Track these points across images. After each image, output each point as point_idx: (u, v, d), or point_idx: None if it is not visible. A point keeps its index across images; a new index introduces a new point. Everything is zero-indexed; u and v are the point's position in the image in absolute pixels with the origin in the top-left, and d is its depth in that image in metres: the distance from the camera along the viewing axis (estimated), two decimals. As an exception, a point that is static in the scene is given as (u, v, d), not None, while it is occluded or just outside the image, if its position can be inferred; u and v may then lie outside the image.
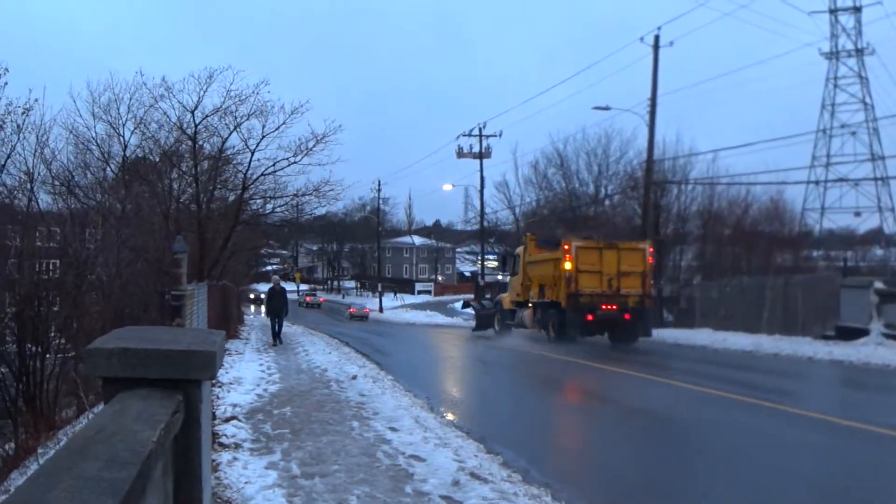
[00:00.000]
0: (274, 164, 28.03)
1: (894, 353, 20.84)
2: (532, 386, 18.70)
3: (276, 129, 27.07)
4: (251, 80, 32.80)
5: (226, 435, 9.98)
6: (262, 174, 28.35)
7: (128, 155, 28.98)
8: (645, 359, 23.35)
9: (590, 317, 29.03)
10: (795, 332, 27.18)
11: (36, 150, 21.08)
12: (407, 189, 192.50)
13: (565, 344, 28.04)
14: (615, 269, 29.67)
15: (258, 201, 30.54)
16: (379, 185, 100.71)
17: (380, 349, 27.90)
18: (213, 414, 10.73)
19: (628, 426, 12.50)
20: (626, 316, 29.16)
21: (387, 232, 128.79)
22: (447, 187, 73.86)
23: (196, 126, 26.73)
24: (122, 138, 28.23)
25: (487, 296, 48.42)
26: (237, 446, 9.46)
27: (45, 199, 24.52)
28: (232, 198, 30.56)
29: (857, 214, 67.03)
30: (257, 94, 26.45)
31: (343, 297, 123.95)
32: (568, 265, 29.56)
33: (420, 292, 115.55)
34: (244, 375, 16.65)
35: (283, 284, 28.96)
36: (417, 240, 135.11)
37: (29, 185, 21.14)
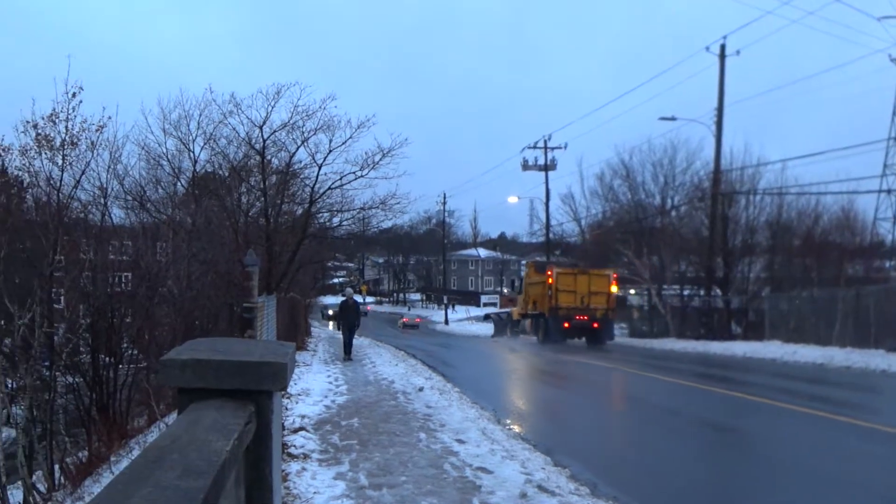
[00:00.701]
0: (341, 178, 28.21)
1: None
2: (596, 396, 18.59)
3: (343, 144, 27.25)
4: (318, 95, 33.16)
5: (294, 445, 10.07)
6: (329, 188, 28.55)
7: (198, 170, 29.42)
8: (714, 371, 23.06)
9: (566, 325, 39.31)
10: (868, 344, 26.56)
11: (109, 166, 21.47)
12: (472, 201, 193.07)
13: (550, 345, 37.47)
14: (586, 290, 40.08)
15: (325, 215, 30.76)
16: (444, 197, 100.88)
17: (445, 361, 27.91)
18: (283, 424, 10.83)
19: (696, 438, 12.35)
20: (595, 325, 39.35)
21: (452, 244, 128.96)
22: (512, 200, 73.63)
23: (264, 141, 27.03)
24: (191, 154, 28.68)
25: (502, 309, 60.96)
26: (306, 457, 9.54)
27: (117, 214, 25.03)
28: (299, 211, 30.81)
29: (931, 223, 65.35)
30: (324, 108, 26.65)
31: (409, 309, 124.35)
32: (550, 284, 40.22)
33: (486, 304, 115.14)
34: (312, 387, 16.79)
35: (356, 298, 28.62)
36: (483, 252, 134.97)
37: (103, 200, 21.55)
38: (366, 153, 27.65)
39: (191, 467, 1.98)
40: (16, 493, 14.01)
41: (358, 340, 26.43)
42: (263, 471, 3.04)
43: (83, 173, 20.10)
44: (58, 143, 18.92)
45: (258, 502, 3.02)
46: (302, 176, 29.30)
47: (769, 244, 41.79)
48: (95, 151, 20.29)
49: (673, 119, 41.61)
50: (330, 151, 27.41)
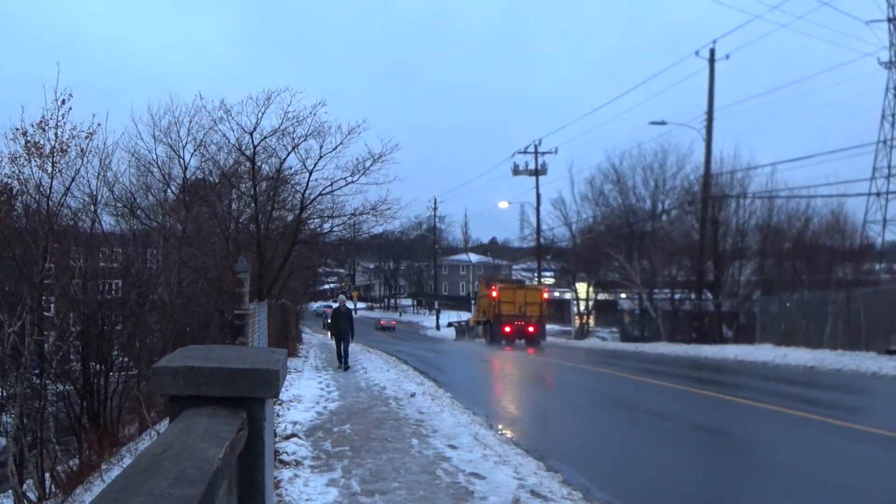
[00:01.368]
0: (331, 184, 28.11)
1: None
2: (588, 400, 18.59)
3: (334, 150, 27.16)
4: (309, 101, 33.20)
5: (287, 452, 10.04)
6: (319, 194, 28.46)
7: (188, 176, 29.37)
8: (706, 375, 23.09)
9: (508, 329, 48.51)
10: (859, 346, 26.64)
11: (99, 173, 21.46)
12: (463, 207, 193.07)
13: (495, 345, 46.33)
14: (523, 301, 49.63)
15: (316, 221, 30.66)
16: (435, 203, 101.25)
17: (437, 366, 27.90)
18: (274, 431, 10.81)
19: (688, 441, 12.36)
20: (530, 328, 48.51)
21: (443, 250, 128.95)
22: (503, 205, 74.01)
23: (254, 147, 26.96)
24: (182, 160, 28.63)
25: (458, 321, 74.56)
26: (298, 463, 9.52)
27: (107, 221, 24.96)
28: (290, 218, 30.75)
29: (920, 226, 65.62)
30: (314, 114, 26.57)
31: (400, 314, 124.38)
32: (494, 297, 50.11)
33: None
34: (304, 393, 16.76)
35: (348, 305, 27.92)
36: (474, 257, 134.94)
37: (92, 208, 21.51)
38: (356, 159, 27.58)
39: (183, 475, 1.97)
40: (6, 502, 13.96)
41: (349, 346, 26.10)
42: (256, 478, 3.02)
43: (73, 180, 20.08)
44: (47, 151, 18.90)
45: (251, 509, 3.01)
46: (292, 182, 29.26)
47: (759, 247, 41.87)
48: (85, 158, 20.27)
49: (663, 123, 41.71)
50: (320, 157, 27.35)
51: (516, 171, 61.86)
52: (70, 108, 18.86)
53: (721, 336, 38.00)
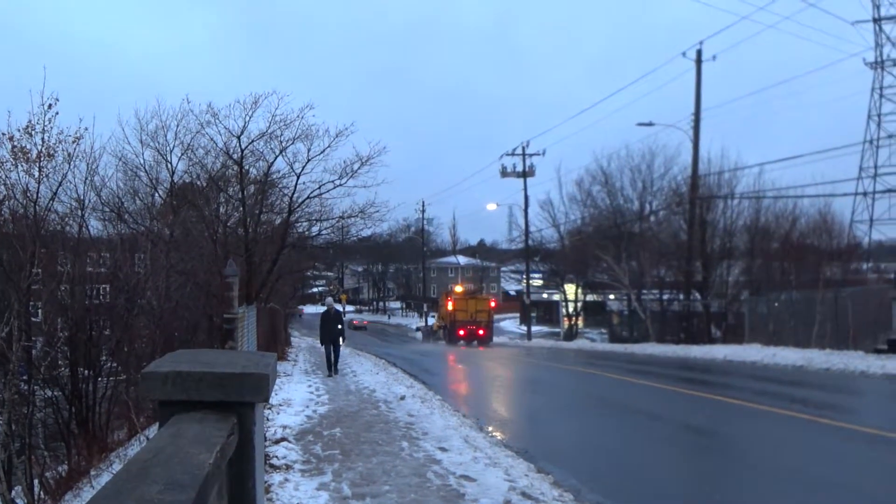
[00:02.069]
0: (319, 188, 28.09)
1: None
2: (579, 401, 18.61)
3: (322, 153, 27.13)
4: (296, 104, 33.15)
5: (277, 456, 10.02)
6: (307, 197, 28.44)
7: (175, 180, 29.25)
8: (695, 375, 23.14)
9: (460, 332, 58.27)
10: (846, 346, 26.75)
11: (86, 178, 21.28)
12: (451, 209, 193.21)
13: (453, 345, 54.69)
14: (474, 308, 59.84)
15: (304, 224, 30.65)
16: (423, 205, 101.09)
17: (426, 369, 27.93)
18: (264, 435, 10.78)
19: (678, 441, 12.38)
20: (480, 331, 58.25)
21: (431, 252, 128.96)
22: (491, 207, 73.84)
23: (242, 151, 26.89)
24: (169, 164, 28.49)
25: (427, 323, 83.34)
26: (288, 468, 9.50)
27: (95, 226, 24.80)
28: (278, 221, 30.71)
29: (906, 225, 65.83)
30: (302, 118, 26.53)
31: (389, 317, 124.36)
32: (450, 305, 61.15)
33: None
34: (293, 397, 16.73)
35: (337, 307, 26.60)
36: (462, 259, 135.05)
37: (80, 212, 21.39)
38: (344, 162, 27.57)
39: (174, 481, 1.97)
40: (-5, 509, 13.88)
41: (340, 350, 25.67)
42: (246, 483, 3.02)
43: (60, 185, 19.94)
44: (34, 155, 18.79)
45: (241, 514, 3.00)
46: (280, 185, 29.22)
47: (747, 248, 42.02)
48: (72, 163, 20.13)
49: (650, 125, 41.83)
50: (308, 160, 27.32)
51: (504, 173, 61.91)
52: (57, 113, 18.75)
53: (710, 336, 38.10)
